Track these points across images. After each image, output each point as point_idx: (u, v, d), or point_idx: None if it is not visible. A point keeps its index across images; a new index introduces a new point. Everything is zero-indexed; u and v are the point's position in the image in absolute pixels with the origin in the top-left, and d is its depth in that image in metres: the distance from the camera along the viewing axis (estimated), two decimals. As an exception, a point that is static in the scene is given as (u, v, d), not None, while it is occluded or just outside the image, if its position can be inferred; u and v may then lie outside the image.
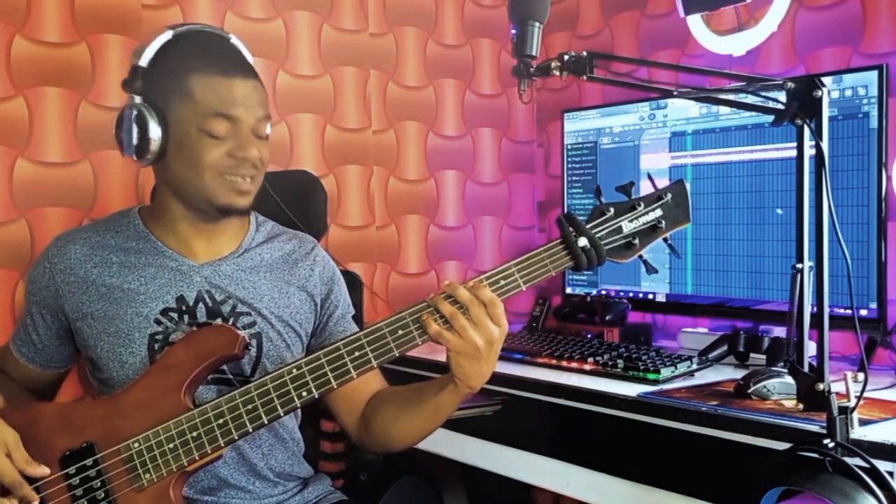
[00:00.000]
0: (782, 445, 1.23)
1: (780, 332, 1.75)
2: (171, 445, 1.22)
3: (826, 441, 1.16)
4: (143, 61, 1.31)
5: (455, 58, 2.43)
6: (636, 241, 1.26)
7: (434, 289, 2.38)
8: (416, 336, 1.21)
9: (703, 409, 1.38)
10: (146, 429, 1.22)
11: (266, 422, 1.22)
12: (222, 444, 1.22)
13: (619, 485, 1.44)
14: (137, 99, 1.30)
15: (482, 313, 1.19)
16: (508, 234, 2.55)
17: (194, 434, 1.22)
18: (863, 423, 1.23)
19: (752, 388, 1.42)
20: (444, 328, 1.20)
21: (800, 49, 1.94)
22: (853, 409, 1.18)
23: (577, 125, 2.22)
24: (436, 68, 2.39)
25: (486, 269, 2.47)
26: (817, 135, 1.27)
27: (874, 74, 1.62)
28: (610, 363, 1.66)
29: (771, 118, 1.33)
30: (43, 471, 1.21)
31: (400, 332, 1.21)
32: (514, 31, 1.51)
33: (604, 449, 1.56)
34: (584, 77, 1.48)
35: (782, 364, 1.47)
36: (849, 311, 1.57)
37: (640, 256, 1.28)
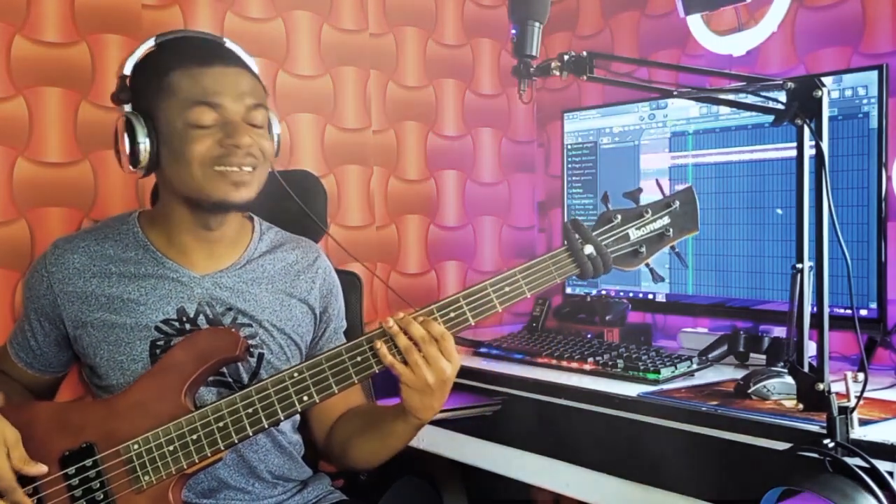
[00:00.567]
0: (782, 445, 1.23)
1: (780, 332, 1.75)
2: (170, 447, 1.22)
3: (826, 441, 1.16)
4: (127, 70, 1.31)
5: (455, 58, 2.43)
6: (643, 250, 1.26)
7: (434, 289, 2.39)
8: None
9: (703, 409, 1.38)
10: (146, 430, 1.22)
11: (266, 426, 1.22)
12: (222, 448, 1.22)
13: (619, 485, 1.44)
14: (126, 108, 1.30)
15: (435, 350, 1.19)
16: (508, 234, 2.54)
17: (194, 437, 1.22)
18: (863, 423, 1.23)
19: (752, 388, 1.42)
20: (397, 360, 1.20)
21: (800, 49, 1.94)
22: (853, 409, 1.18)
23: (577, 125, 2.22)
24: (436, 68, 2.39)
25: (486, 269, 2.49)
26: (817, 135, 1.27)
27: (874, 74, 1.62)
28: (610, 363, 1.66)
29: (771, 118, 1.33)
30: (41, 469, 1.21)
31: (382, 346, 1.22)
32: (514, 31, 1.51)
33: (604, 449, 1.56)
34: (584, 77, 1.48)
35: (782, 364, 1.48)
36: (849, 311, 1.57)
37: (647, 264, 1.28)
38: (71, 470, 1.22)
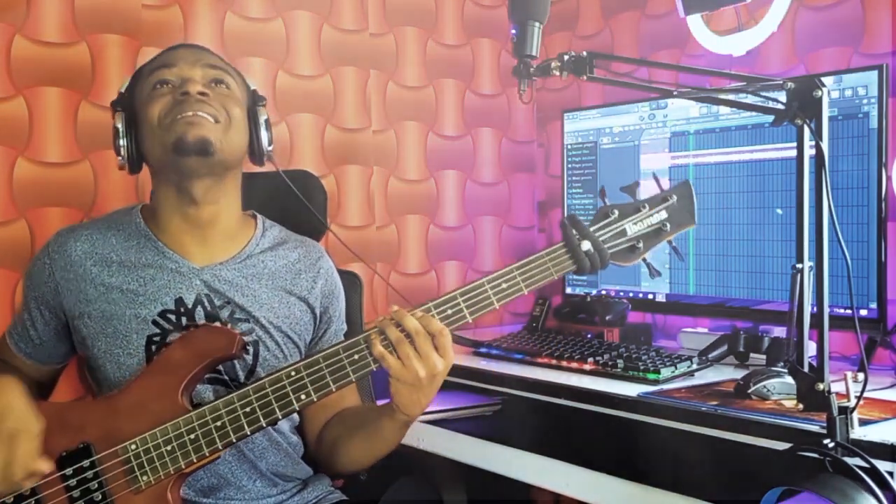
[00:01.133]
0: (782, 445, 1.23)
1: (780, 332, 1.75)
2: (168, 448, 1.21)
3: (826, 441, 1.16)
4: (124, 86, 1.40)
5: (455, 58, 2.43)
6: (640, 245, 1.26)
7: (434, 289, 2.39)
8: None
9: (703, 409, 1.38)
10: (144, 430, 1.22)
11: (264, 425, 1.22)
12: (220, 448, 1.22)
13: (619, 485, 1.44)
14: (118, 117, 1.36)
15: (428, 344, 1.18)
16: (508, 234, 2.54)
17: (192, 437, 1.21)
18: (863, 423, 1.23)
19: (752, 388, 1.42)
20: (388, 351, 1.19)
21: (800, 49, 1.94)
22: (853, 409, 1.18)
23: (577, 125, 2.22)
24: (436, 68, 2.39)
25: (486, 269, 2.49)
26: (817, 135, 1.27)
27: (874, 74, 1.62)
28: (610, 363, 1.66)
29: (771, 118, 1.33)
30: (43, 467, 1.20)
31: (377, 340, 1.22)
32: (514, 31, 1.51)
33: (604, 449, 1.56)
34: (584, 77, 1.48)
35: (782, 364, 1.47)
36: (849, 311, 1.57)
37: (644, 260, 1.27)
38: (69, 470, 1.22)
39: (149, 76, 1.35)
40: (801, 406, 1.30)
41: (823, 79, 1.32)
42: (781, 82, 1.31)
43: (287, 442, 1.45)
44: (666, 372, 1.58)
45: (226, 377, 1.36)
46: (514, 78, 1.52)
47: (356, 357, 1.21)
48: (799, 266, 1.30)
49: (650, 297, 2.07)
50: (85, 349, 1.37)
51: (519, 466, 1.62)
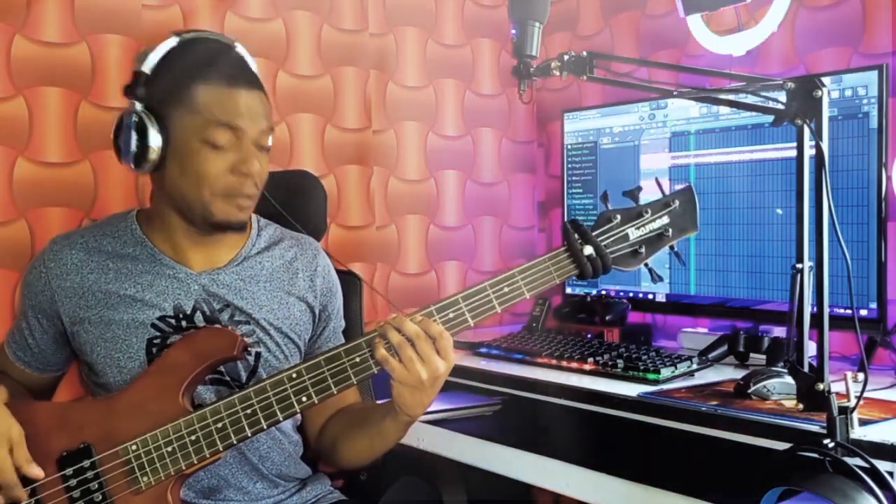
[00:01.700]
0: (782, 445, 1.23)
1: (780, 332, 1.75)
2: (169, 449, 1.21)
3: (826, 441, 1.16)
4: (147, 67, 1.28)
5: (455, 58, 2.43)
6: (642, 250, 1.25)
7: (434, 289, 2.39)
8: None
9: (703, 409, 1.38)
10: (144, 431, 1.22)
11: (265, 427, 1.22)
12: (221, 449, 1.22)
13: (619, 485, 1.44)
14: (138, 105, 1.28)
15: (429, 347, 1.18)
16: (508, 234, 2.54)
17: (193, 438, 1.21)
18: (863, 423, 1.23)
19: (752, 388, 1.41)
20: (390, 354, 1.19)
21: (800, 49, 1.94)
22: (853, 409, 1.18)
23: (577, 125, 2.22)
24: (436, 68, 2.39)
25: (486, 269, 2.49)
26: (817, 135, 1.27)
27: (874, 74, 1.62)
28: (610, 363, 1.66)
29: (771, 118, 1.33)
30: (38, 473, 1.21)
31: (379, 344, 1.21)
32: (514, 31, 1.51)
33: (604, 449, 1.56)
34: (584, 77, 1.48)
35: (782, 364, 1.47)
36: (849, 311, 1.57)
37: (646, 265, 1.27)
38: (69, 471, 1.22)
39: (205, 118, 1.26)
40: (801, 406, 1.30)
41: (823, 79, 1.32)
42: (781, 82, 1.31)
43: (289, 441, 1.45)
44: (666, 372, 1.58)
45: (227, 378, 1.36)
46: (514, 78, 1.52)
47: (357, 360, 1.21)
48: (799, 266, 1.30)
49: (650, 297, 2.07)
50: (84, 355, 1.36)
51: (519, 466, 1.62)
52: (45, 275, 1.36)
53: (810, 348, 1.30)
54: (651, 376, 1.57)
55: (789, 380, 1.37)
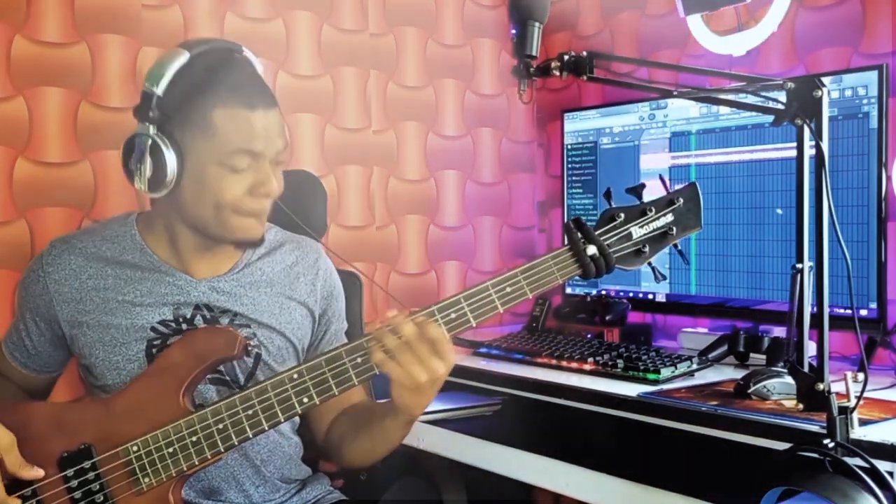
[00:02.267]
0: (782, 445, 1.23)
1: (780, 332, 1.75)
2: (170, 450, 1.21)
3: (826, 441, 1.16)
4: (159, 89, 1.23)
5: (455, 58, 2.43)
6: (646, 249, 1.24)
7: (434, 289, 2.39)
8: None
9: (703, 409, 1.38)
10: (144, 431, 1.22)
11: (266, 428, 1.21)
12: (222, 450, 1.21)
13: (619, 485, 1.44)
14: (152, 129, 1.23)
15: (427, 350, 1.16)
16: (508, 234, 2.54)
17: (194, 439, 1.21)
18: (863, 423, 1.23)
19: (752, 388, 1.41)
20: (388, 357, 1.18)
21: (800, 49, 1.94)
22: (853, 409, 1.18)
23: (577, 125, 2.22)
24: (436, 68, 2.39)
25: (486, 269, 2.49)
26: (817, 135, 1.27)
27: (874, 74, 1.62)
28: (610, 363, 1.66)
29: (771, 118, 1.33)
30: (37, 473, 1.20)
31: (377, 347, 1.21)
32: (514, 31, 1.51)
33: (604, 449, 1.56)
34: (584, 77, 1.48)
35: (782, 364, 1.47)
36: (849, 311, 1.57)
37: (650, 264, 1.26)
38: (70, 472, 1.22)
39: (225, 143, 1.24)
40: (801, 406, 1.30)
41: (823, 79, 1.32)
42: (781, 82, 1.31)
43: (289, 443, 1.45)
44: (666, 372, 1.58)
45: (227, 378, 1.36)
46: (514, 78, 1.52)
47: (359, 360, 1.20)
48: (799, 266, 1.30)
49: (650, 297, 2.07)
50: (83, 357, 1.36)
51: (519, 466, 1.62)
52: (42, 279, 1.35)
53: (810, 348, 1.30)
54: (651, 376, 1.57)
55: (789, 380, 1.37)
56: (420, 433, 1.77)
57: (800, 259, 1.30)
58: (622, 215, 1.24)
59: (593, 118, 2.18)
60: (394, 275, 2.32)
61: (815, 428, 1.23)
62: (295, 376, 1.21)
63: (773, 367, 1.53)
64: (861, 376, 1.39)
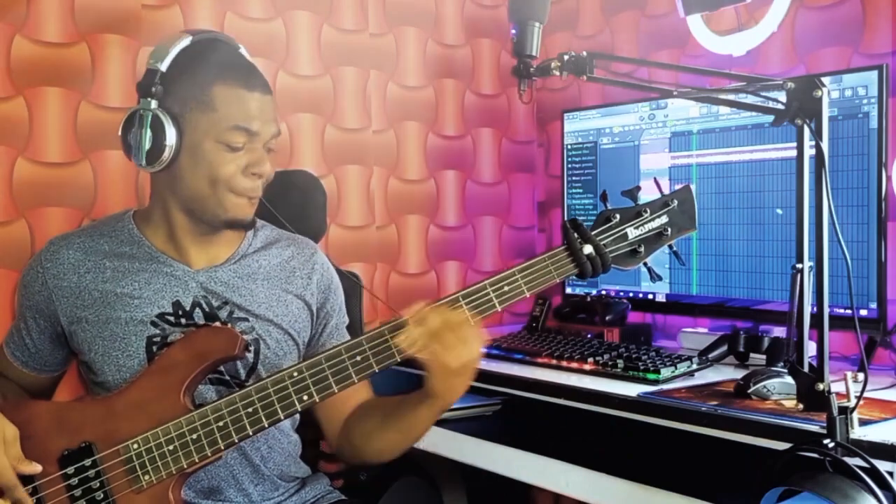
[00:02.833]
0: (782, 445, 1.23)
1: (780, 332, 1.75)
2: (170, 447, 1.21)
3: (826, 441, 1.16)
4: (163, 65, 1.29)
5: (455, 58, 2.43)
6: (641, 249, 1.26)
7: (434, 289, 2.39)
8: None
9: (703, 409, 1.38)
10: (145, 430, 1.22)
11: (266, 425, 1.22)
12: (222, 447, 1.22)
13: (619, 485, 1.44)
14: (153, 103, 1.28)
15: (453, 338, 1.18)
16: (508, 234, 2.55)
17: (194, 436, 1.21)
18: (863, 423, 1.23)
19: (752, 388, 1.41)
20: (421, 342, 1.19)
21: (800, 49, 1.94)
22: (853, 409, 1.18)
23: (577, 125, 2.22)
24: (436, 68, 2.39)
25: (486, 269, 2.49)
26: (817, 135, 1.27)
27: (874, 74, 1.62)
28: (610, 363, 1.66)
29: (771, 118, 1.33)
30: (35, 468, 1.21)
31: (402, 335, 1.21)
32: (514, 31, 1.51)
33: (604, 449, 1.56)
34: (584, 77, 1.48)
35: (782, 364, 1.47)
36: (849, 311, 1.57)
37: (645, 264, 1.28)
38: (70, 469, 1.22)
39: (224, 119, 1.28)
40: (801, 406, 1.30)
41: (823, 79, 1.32)
42: (781, 82, 1.31)
43: (288, 441, 1.45)
44: (666, 372, 1.58)
45: (227, 377, 1.36)
46: (514, 78, 1.52)
47: (359, 358, 1.21)
48: (799, 266, 1.30)
49: (650, 297, 2.07)
50: (82, 354, 1.36)
51: (519, 466, 1.62)
52: (41, 275, 1.36)
53: (810, 348, 1.30)
54: (651, 376, 1.57)
55: (789, 380, 1.37)
56: (420, 433, 1.76)
57: (800, 259, 1.30)
58: (617, 216, 1.26)
59: (593, 118, 2.18)
60: (394, 275, 2.32)
61: (815, 428, 1.23)
62: (295, 374, 1.21)
63: (773, 367, 1.53)
64: (861, 376, 1.39)
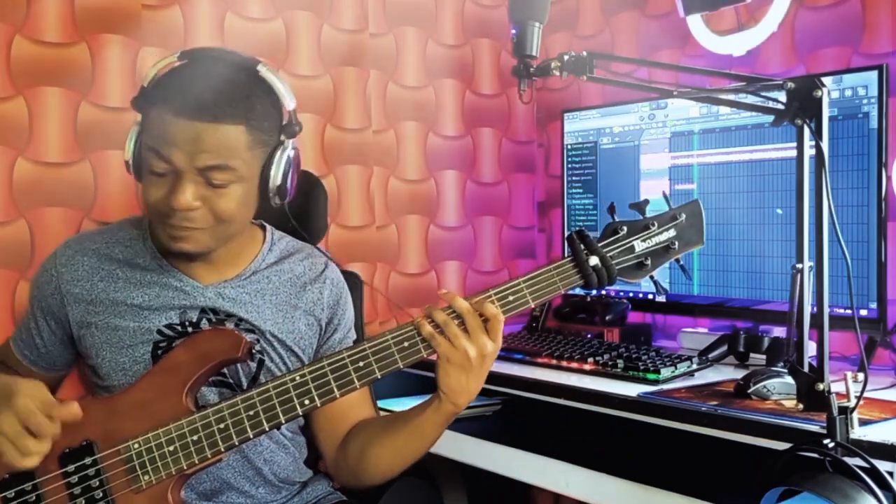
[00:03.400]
0: (782, 445, 1.23)
1: (780, 332, 1.75)
2: (171, 448, 1.21)
3: (826, 441, 1.16)
4: (146, 81, 1.28)
5: (455, 58, 2.43)
6: (648, 262, 1.26)
7: (434, 289, 2.39)
8: (421, 349, 1.21)
9: (703, 409, 1.38)
10: (146, 430, 1.22)
11: (267, 429, 1.21)
12: (222, 449, 1.22)
13: (619, 485, 1.44)
14: (138, 117, 1.28)
15: (478, 324, 1.19)
16: (508, 234, 2.54)
17: (195, 437, 1.21)
18: (863, 423, 1.23)
19: (752, 388, 1.42)
20: (437, 331, 1.20)
21: (800, 49, 1.94)
22: (853, 409, 1.18)
23: (577, 125, 2.22)
24: (436, 68, 2.39)
25: (486, 269, 2.49)
26: (817, 135, 1.28)
27: (874, 74, 1.62)
28: (610, 363, 1.66)
29: (771, 118, 1.33)
30: (72, 408, 1.18)
31: (405, 343, 1.21)
32: (514, 31, 1.51)
33: (604, 449, 1.56)
34: (584, 77, 1.48)
35: (782, 364, 1.48)
36: (849, 311, 1.57)
37: (651, 277, 1.28)
38: (70, 467, 1.22)
39: (147, 142, 1.24)
40: (801, 406, 1.31)
41: (823, 79, 1.32)
42: (781, 82, 1.32)
43: (292, 443, 1.44)
44: (666, 372, 1.58)
45: (231, 381, 1.36)
46: (514, 78, 1.52)
47: (361, 364, 1.21)
48: (799, 266, 1.30)
49: (650, 297, 2.07)
50: (90, 358, 1.36)
51: (519, 466, 1.62)
52: (55, 278, 1.36)
53: (810, 348, 1.30)
54: (651, 376, 1.57)
55: (789, 380, 1.37)
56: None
57: (800, 259, 1.30)
58: (625, 228, 1.26)
59: (593, 118, 2.18)
60: (394, 275, 2.32)
61: (815, 428, 1.23)
62: (297, 378, 1.21)
63: (773, 367, 1.53)
64: (861, 376, 1.39)
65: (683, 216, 1.28)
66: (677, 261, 1.29)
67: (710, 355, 1.74)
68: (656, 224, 1.27)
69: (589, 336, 1.96)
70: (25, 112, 1.78)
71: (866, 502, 1.07)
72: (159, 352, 1.33)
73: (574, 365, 1.72)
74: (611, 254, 1.24)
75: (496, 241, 2.52)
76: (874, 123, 1.62)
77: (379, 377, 1.21)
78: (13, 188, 1.77)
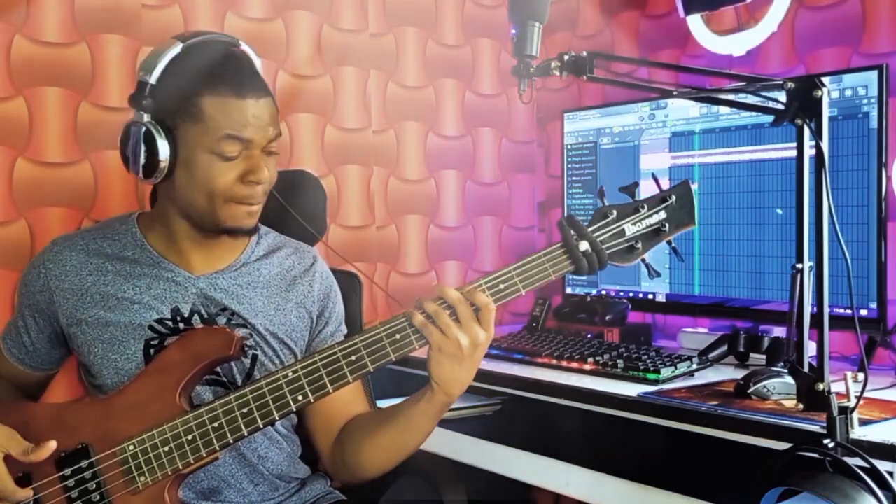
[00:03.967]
0: (782, 445, 1.23)
1: (780, 332, 1.75)
2: (166, 448, 1.21)
3: (826, 441, 1.16)
4: (152, 77, 1.27)
5: (455, 58, 2.43)
6: (639, 245, 1.25)
7: (434, 289, 2.39)
8: (413, 341, 1.21)
9: (703, 409, 1.38)
10: (141, 431, 1.22)
11: (262, 426, 1.21)
12: (217, 448, 1.22)
13: (619, 485, 1.44)
14: (146, 116, 1.27)
15: (469, 314, 1.18)
16: (508, 234, 2.54)
17: (189, 437, 1.21)
18: (863, 423, 1.23)
19: (752, 388, 1.41)
20: (429, 321, 1.19)
21: (800, 49, 1.94)
22: (853, 409, 1.18)
23: (577, 125, 2.22)
24: (436, 68, 2.39)
25: (486, 269, 2.49)
26: (817, 135, 1.27)
27: (874, 74, 1.62)
28: (610, 363, 1.66)
29: (771, 118, 1.33)
30: (50, 446, 1.20)
31: (397, 336, 1.21)
32: (514, 31, 1.51)
33: (604, 449, 1.56)
34: (584, 77, 1.48)
35: (782, 364, 1.47)
36: (849, 311, 1.57)
37: (643, 260, 1.27)
38: (67, 471, 1.22)
39: (213, 130, 1.25)
40: (801, 406, 1.30)
41: (823, 79, 1.32)
42: (781, 82, 1.31)
43: (287, 441, 1.44)
44: (666, 372, 1.58)
45: (225, 379, 1.36)
46: (514, 78, 1.52)
47: (353, 358, 1.21)
48: (799, 266, 1.30)
49: (650, 297, 2.07)
50: (81, 356, 1.36)
51: (519, 466, 1.62)
52: (43, 275, 1.36)
53: (810, 348, 1.30)
54: (651, 376, 1.57)
55: (789, 380, 1.37)
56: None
57: (800, 259, 1.30)
58: (614, 212, 1.24)
59: (593, 118, 2.18)
60: (394, 275, 2.32)
61: (815, 428, 1.23)
62: (290, 374, 1.21)
63: (773, 367, 1.53)
64: (861, 376, 1.39)
65: (673, 198, 1.26)
66: (669, 243, 1.28)
67: (710, 355, 1.74)
68: (646, 206, 1.25)
69: (589, 336, 1.96)
70: (25, 112, 1.78)
71: (866, 502, 1.07)
72: (151, 350, 1.32)
73: (574, 365, 1.72)
74: (601, 238, 1.23)
75: (496, 241, 2.52)
76: (874, 123, 1.62)
77: (371, 370, 1.21)
78: (13, 188, 1.77)
